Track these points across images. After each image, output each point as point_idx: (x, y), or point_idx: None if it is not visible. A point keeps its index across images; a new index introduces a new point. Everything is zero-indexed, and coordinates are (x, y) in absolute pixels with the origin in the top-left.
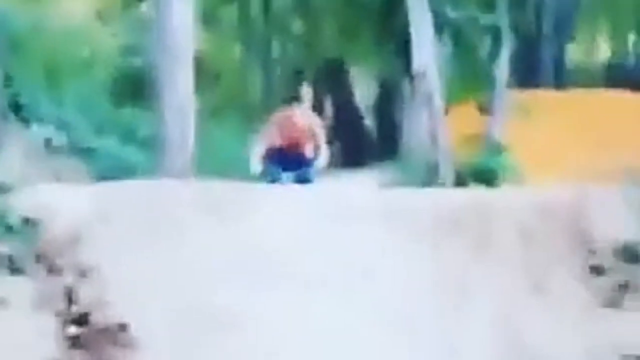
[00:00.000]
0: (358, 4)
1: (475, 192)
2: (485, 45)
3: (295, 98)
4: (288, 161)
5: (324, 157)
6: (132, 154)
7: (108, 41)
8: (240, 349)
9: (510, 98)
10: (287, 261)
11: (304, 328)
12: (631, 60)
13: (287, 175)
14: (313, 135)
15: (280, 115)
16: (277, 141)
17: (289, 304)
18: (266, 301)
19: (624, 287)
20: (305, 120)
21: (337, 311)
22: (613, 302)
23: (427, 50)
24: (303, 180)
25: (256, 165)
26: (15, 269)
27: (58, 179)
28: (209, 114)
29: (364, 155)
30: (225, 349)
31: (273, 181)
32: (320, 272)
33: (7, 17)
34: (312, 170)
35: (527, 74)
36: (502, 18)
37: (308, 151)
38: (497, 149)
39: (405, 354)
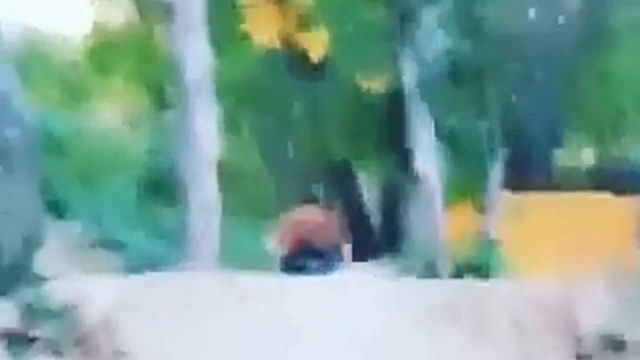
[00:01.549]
0: (364, 114)
1: (471, 284)
2: (480, 150)
3: (308, 198)
4: (304, 260)
5: (347, 252)
6: (159, 247)
7: (136, 145)
8: None
9: (503, 199)
10: (304, 345)
11: None
12: (612, 165)
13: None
14: (328, 233)
15: (292, 214)
16: (292, 239)
17: None
18: None
19: None
20: (320, 217)
21: None
22: None
23: (427, 156)
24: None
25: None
26: (55, 351)
27: (91, 270)
28: (231, 211)
29: (370, 250)
30: None
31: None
32: (334, 353)
33: (47, 122)
34: (331, 265)
35: (519, 177)
36: (495, 126)
37: (323, 246)
38: (491, 245)
39: None
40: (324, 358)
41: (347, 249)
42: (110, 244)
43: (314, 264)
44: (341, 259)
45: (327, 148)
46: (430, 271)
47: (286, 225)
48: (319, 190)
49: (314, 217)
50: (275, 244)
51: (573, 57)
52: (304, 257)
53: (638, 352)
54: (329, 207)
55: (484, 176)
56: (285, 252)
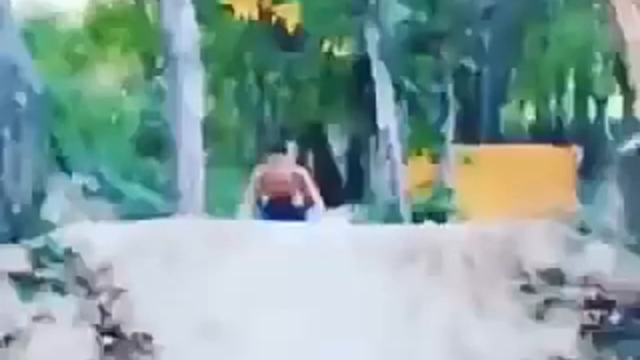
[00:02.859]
0: (334, 78)
1: (428, 228)
2: (435, 109)
3: (282, 151)
4: (278, 212)
5: (319, 204)
6: (153, 197)
7: (131, 107)
8: (238, 353)
9: (456, 151)
10: (280, 285)
11: (286, 337)
12: (551, 119)
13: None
14: (302, 185)
15: (265, 167)
16: (266, 192)
17: (276, 317)
18: (257, 315)
19: (548, 303)
20: (290, 171)
21: (313, 323)
22: (540, 316)
23: (389, 114)
24: None
25: (245, 215)
26: (60, 291)
27: (92, 217)
28: (216, 164)
29: (337, 197)
30: (227, 355)
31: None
32: (302, 292)
33: (52, 88)
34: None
35: (468, 132)
36: (447, 87)
37: (297, 200)
38: (445, 193)
39: (371, 358)
40: (301, 297)
41: (318, 206)
42: (109, 195)
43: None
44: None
45: (300, 108)
46: (391, 216)
47: (256, 180)
48: (293, 146)
49: (285, 171)
50: (245, 201)
51: (518, 25)
52: (275, 214)
53: (574, 284)
54: (301, 161)
55: (438, 131)
56: (259, 205)
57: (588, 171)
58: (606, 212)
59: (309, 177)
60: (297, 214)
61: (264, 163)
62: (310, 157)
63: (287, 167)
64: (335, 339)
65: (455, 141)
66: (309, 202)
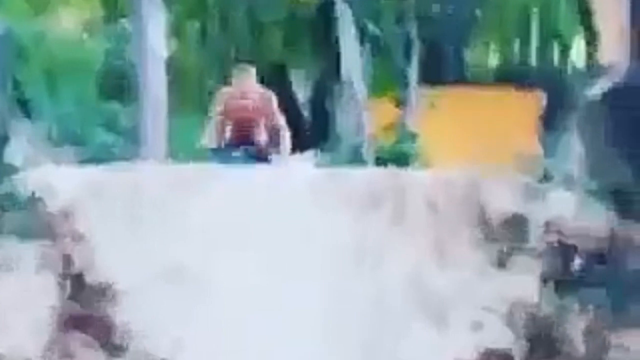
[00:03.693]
0: (298, 21)
1: (392, 172)
2: (398, 51)
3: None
4: (240, 145)
5: (286, 141)
6: (116, 141)
7: (95, 50)
8: (201, 297)
9: (419, 94)
10: (242, 229)
11: (248, 280)
12: (515, 63)
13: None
14: (268, 110)
15: (228, 89)
16: (229, 119)
17: (238, 260)
18: (219, 259)
19: (511, 251)
20: (257, 91)
21: (275, 267)
22: (501, 263)
23: (352, 57)
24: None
25: (207, 142)
26: (22, 236)
27: (55, 161)
28: (178, 109)
29: (302, 141)
30: (189, 299)
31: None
32: (265, 236)
33: (13, 30)
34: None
35: (432, 74)
36: (411, 30)
37: (261, 135)
38: (409, 137)
39: (333, 302)
40: (263, 241)
41: (284, 131)
42: (72, 139)
43: (250, 152)
44: (278, 148)
45: (265, 53)
46: (355, 160)
47: (222, 103)
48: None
49: (251, 90)
50: (211, 136)
51: None
52: (241, 147)
53: (538, 230)
54: None
55: (402, 74)
56: (222, 143)
57: (551, 119)
58: (568, 159)
59: (275, 101)
60: (260, 155)
61: (228, 85)
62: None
63: (252, 86)
64: (297, 282)
65: (419, 84)
66: (275, 131)
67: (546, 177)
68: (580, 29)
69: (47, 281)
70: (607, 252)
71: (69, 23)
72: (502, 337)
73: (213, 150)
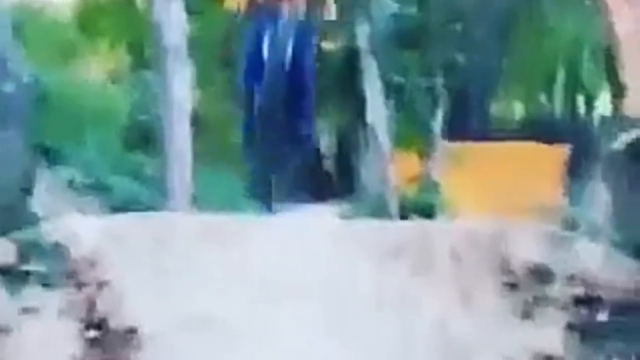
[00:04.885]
0: (324, 71)
1: (416, 223)
2: (424, 104)
3: None
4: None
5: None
6: (140, 190)
7: (120, 100)
8: (228, 351)
9: (444, 147)
10: (265, 279)
11: (272, 331)
12: (541, 115)
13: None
14: None
15: None
16: None
17: (262, 310)
18: (244, 308)
19: (534, 301)
20: None
21: (301, 318)
22: (525, 314)
23: (377, 109)
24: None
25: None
26: (46, 284)
27: (80, 210)
28: (205, 158)
29: (326, 192)
30: (215, 350)
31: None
32: (289, 287)
33: (39, 77)
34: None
35: (458, 127)
36: (437, 82)
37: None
38: (434, 188)
39: (357, 357)
40: (287, 292)
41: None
42: (97, 188)
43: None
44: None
45: None
46: (380, 211)
47: None
48: None
49: None
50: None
51: (508, 20)
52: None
53: (561, 282)
54: None
55: (427, 126)
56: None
57: (576, 168)
58: (593, 209)
59: None
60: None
61: None
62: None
63: None
64: (324, 335)
65: (444, 137)
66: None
67: (572, 227)
68: (605, 81)
69: (70, 328)
70: (632, 303)
71: (95, 72)
72: None
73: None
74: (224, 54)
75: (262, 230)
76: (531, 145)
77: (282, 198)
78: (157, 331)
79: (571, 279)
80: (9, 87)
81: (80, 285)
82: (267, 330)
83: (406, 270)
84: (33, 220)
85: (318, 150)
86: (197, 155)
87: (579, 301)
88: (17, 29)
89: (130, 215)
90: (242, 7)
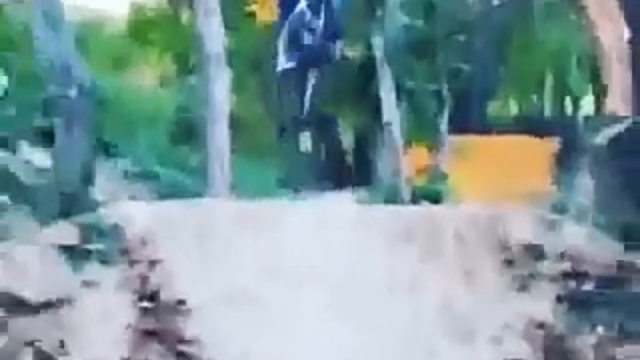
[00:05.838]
0: (344, 76)
1: (425, 209)
2: (432, 105)
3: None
4: None
5: None
6: (185, 180)
7: (168, 102)
8: (262, 321)
9: (449, 141)
10: (292, 260)
11: (303, 310)
12: (532, 114)
13: None
14: None
15: None
16: None
17: (294, 291)
18: (276, 283)
19: (530, 276)
20: None
21: (323, 297)
22: (521, 287)
23: (391, 109)
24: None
25: None
26: (104, 261)
27: (133, 197)
28: (241, 152)
29: (346, 181)
30: (251, 320)
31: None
32: (314, 268)
33: (98, 83)
34: None
35: (460, 124)
36: (443, 86)
37: None
38: (441, 178)
39: (373, 327)
40: (313, 273)
41: None
42: (147, 177)
43: None
44: None
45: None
46: (393, 199)
47: None
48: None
49: None
50: None
51: (504, 31)
52: None
53: (552, 259)
54: (316, 151)
55: (434, 125)
56: None
57: (564, 160)
58: (579, 196)
59: None
60: None
61: None
62: (322, 147)
63: None
64: (344, 311)
65: (449, 132)
66: None
67: (561, 211)
68: (590, 85)
69: (126, 299)
70: (614, 277)
71: (146, 78)
72: (520, 350)
73: None
74: (257, 63)
75: (292, 214)
76: (524, 139)
77: (310, 187)
78: (201, 303)
79: (560, 256)
80: (73, 92)
81: (133, 263)
82: (292, 305)
83: (415, 253)
84: (93, 206)
85: (340, 146)
86: (234, 150)
87: (567, 276)
88: (80, 42)
89: (176, 201)
90: (274, 16)
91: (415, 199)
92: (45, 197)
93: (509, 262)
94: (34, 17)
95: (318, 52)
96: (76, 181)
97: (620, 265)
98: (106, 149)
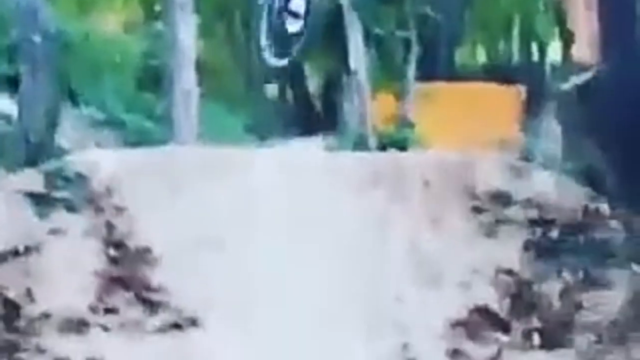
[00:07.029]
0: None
1: (392, 155)
2: (399, 51)
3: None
4: None
5: None
6: (151, 127)
7: (133, 48)
8: (226, 263)
9: (416, 88)
10: (261, 204)
11: (270, 256)
12: (499, 61)
13: None
14: None
15: None
16: None
17: (261, 238)
18: (245, 229)
19: (496, 222)
20: None
21: (290, 239)
22: (489, 233)
23: (359, 55)
24: None
25: None
26: (71, 208)
27: (98, 144)
28: (208, 98)
29: (313, 128)
30: (217, 263)
31: None
32: (284, 209)
33: (63, 28)
34: None
35: (427, 71)
36: (411, 33)
37: None
38: (407, 125)
39: (340, 272)
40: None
41: None
42: (113, 124)
43: None
44: None
45: None
46: (360, 145)
47: None
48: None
49: None
50: None
51: None
52: None
53: (519, 205)
54: (281, 96)
55: (401, 71)
56: None
57: (532, 107)
58: (546, 142)
59: None
60: None
61: None
62: (289, 93)
63: None
64: (310, 258)
65: (416, 79)
66: None
67: (528, 158)
68: (557, 31)
69: (93, 247)
70: (579, 223)
71: (112, 24)
72: (488, 296)
73: None
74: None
75: (260, 160)
76: (492, 86)
77: (277, 133)
78: (168, 251)
79: (528, 202)
80: (37, 38)
81: (99, 210)
82: (261, 250)
83: (382, 198)
84: (59, 153)
85: (308, 92)
86: (201, 97)
87: (534, 222)
88: None
89: (143, 149)
90: None
91: (382, 146)
92: (11, 144)
93: (477, 209)
94: None
95: None
96: (42, 129)
97: (586, 212)
98: (72, 96)
